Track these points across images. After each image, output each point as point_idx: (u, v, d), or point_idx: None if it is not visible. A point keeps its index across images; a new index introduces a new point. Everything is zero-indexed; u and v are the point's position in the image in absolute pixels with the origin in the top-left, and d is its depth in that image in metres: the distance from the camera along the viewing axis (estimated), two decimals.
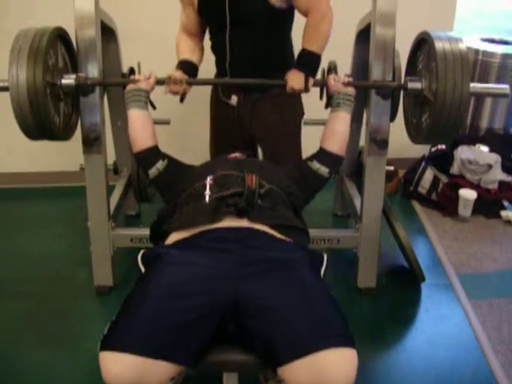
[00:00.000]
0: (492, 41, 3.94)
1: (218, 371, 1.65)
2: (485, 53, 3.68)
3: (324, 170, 2.08)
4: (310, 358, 1.40)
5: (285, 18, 2.37)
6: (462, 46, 2.02)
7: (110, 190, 2.53)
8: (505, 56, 3.63)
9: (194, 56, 2.43)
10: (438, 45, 2.01)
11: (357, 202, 2.70)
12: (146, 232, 2.36)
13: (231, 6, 2.24)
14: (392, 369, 2.19)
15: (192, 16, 2.41)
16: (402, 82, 2.27)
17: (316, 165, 2.08)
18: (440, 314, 2.51)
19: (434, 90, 2.04)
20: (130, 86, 2.16)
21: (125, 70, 2.76)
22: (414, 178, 3.56)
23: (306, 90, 2.28)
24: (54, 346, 2.30)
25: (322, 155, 2.11)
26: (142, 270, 1.71)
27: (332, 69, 2.49)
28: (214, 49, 2.48)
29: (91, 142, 2.32)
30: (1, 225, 3.33)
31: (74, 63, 2.27)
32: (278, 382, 1.98)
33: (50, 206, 3.54)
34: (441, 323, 2.45)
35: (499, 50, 3.68)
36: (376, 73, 2.27)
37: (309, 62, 2.29)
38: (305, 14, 2.28)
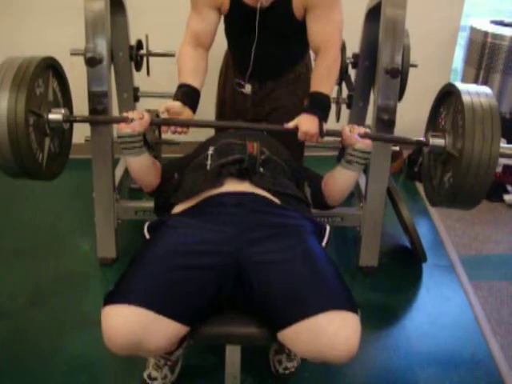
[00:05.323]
0: (502, 23, 3.91)
1: (220, 344, 1.68)
2: (494, 35, 3.65)
3: (309, 201, 2.07)
4: (310, 320, 1.42)
5: (305, 28, 2.25)
6: (493, 101, 1.81)
7: (114, 162, 2.52)
8: None
9: (198, 77, 2.16)
10: (466, 98, 1.80)
11: (361, 180, 2.70)
12: (150, 205, 2.39)
13: (262, 16, 2.15)
14: (392, 348, 2.21)
15: (211, 21, 2.21)
16: (424, 138, 2.04)
17: (307, 192, 2.08)
18: (441, 294, 2.53)
19: (459, 149, 1.82)
20: (122, 129, 1.91)
21: (132, 42, 2.76)
22: (419, 159, 3.55)
23: (322, 134, 2.03)
24: (57, 316, 2.32)
25: (317, 195, 2.08)
26: (148, 237, 1.72)
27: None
28: (233, 54, 2.44)
29: (98, 114, 2.31)
30: (5, 196, 3.33)
31: (66, 99, 2.12)
32: (288, 357, 2.01)
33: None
34: (441, 303, 2.47)
35: (509, 32, 3.65)
36: (385, 52, 2.26)
37: (323, 105, 2.12)
38: (317, 48, 2.17)
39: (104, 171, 2.45)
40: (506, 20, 3.96)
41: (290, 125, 2.04)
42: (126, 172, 2.84)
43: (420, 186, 3.50)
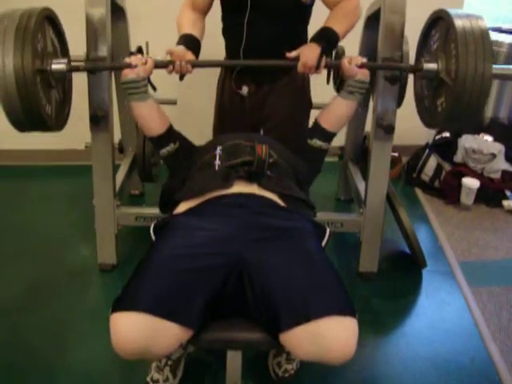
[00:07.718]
0: (499, 30, 3.93)
1: (221, 349, 1.68)
2: (492, 42, 3.66)
3: (326, 146, 2.14)
4: (311, 324, 1.43)
5: (306, 10, 2.31)
6: (483, 23, 1.85)
7: (115, 168, 2.52)
8: None
9: (197, 30, 2.27)
10: (458, 23, 1.84)
11: (361, 186, 2.71)
12: (150, 211, 2.40)
13: None
14: (391, 353, 2.21)
15: None
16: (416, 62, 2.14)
17: (317, 142, 2.12)
18: (440, 300, 2.53)
19: (452, 73, 1.88)
20: (126, 75, 1.99)
21: (133, 48, 2.77)
22: (418, 165, 3.57)
23: (318, 67, 2.07)
24: (57, 321, 2.32)
25: (322, 133, 2.13)
26: (153, 238, 1.74)
27: (340, 54, 2.49)
28: (227, 32, 2.40)
29: (98, 120, 2.32)
30: (5, 202, 3.34)
31: (63, 47, 2.12)
32: (287, 359, 2.01)
33: (55, 184, 3.56)
34: (441, 309, 2.47)
35: (507, 39, 3.67)
36: (384, 58, 2.26)
37: (329, 38, 2.11)
38: (333, 5, 2.19)
39: (104, 177, 2.46)
40: (504, 26, 3.98)
41: (292, 54, 2.10)
42: (126, 178, 2.85)
43: (419, 193, 3.51)
